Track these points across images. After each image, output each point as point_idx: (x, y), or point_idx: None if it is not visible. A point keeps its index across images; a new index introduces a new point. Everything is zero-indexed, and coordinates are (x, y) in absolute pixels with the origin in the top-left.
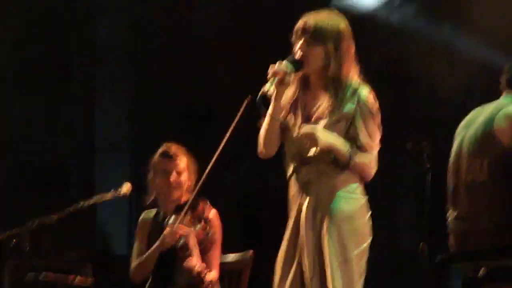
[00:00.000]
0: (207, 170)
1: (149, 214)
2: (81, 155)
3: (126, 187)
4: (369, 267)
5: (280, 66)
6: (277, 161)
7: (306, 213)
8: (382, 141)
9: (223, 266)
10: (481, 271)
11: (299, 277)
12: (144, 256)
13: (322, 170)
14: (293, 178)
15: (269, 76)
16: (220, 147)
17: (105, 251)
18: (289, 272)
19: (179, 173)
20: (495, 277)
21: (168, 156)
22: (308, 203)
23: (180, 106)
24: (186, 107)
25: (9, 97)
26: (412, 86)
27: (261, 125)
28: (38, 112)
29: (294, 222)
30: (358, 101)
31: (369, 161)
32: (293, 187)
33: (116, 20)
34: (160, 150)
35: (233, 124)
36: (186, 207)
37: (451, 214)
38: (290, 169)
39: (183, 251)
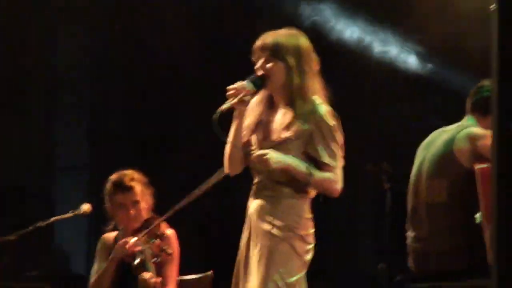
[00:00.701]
0: (170, 212)
1: (109, 236)
2: (40, 176)
3: (85, 207)
4: None
5: (240, 85)
6: (237, 182)
7: (250, 236)
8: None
9: (183, 285)
10: None
11: None
12: (101, 270)
13: (272, 195)
14: (252, 191)
15: (228, 94)
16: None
17: (64, 270)
18: None
19: (136, 203)
20: None
21: (123, 189)
22: (252, 226)
23: (139, 128)
24: (145, 129)
25: None
26: (372, 105)
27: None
28: None
29: (243, 242)
30: (316, 119)
31: (331, 176)
32: (249, 200)
33: (76, 40)
34: (113, 179)
35: (204, 188)
36: (144, 232)
37: (410, 235)
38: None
39: (139, 270)
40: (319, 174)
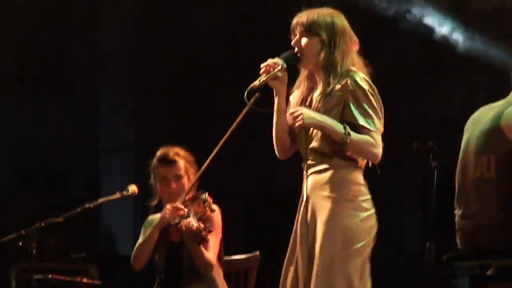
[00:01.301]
0: (208, 161)
1: (155, 217)
2: (86, 158)
3: (132, 189)
4: (374, 267)
5: (271, 61)
6: (281, 162)
7: (301, 212)
8: (386, 140)
9: (230, 265)
10: (489, 270)
11: (296, 277)
12: (143, 238)
13: (320, 167)
14: (303, 175)
15: (261, 71)
16: (223, 140)
17: (110, 252)
18: (289, 272)
19: (179, 178)
20: (502, 276)
21: (166, 162)
22: (305, 202)
23: (182, 108)
24: (188, 109)
25: (14, 103)
26: (417, 86)
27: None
28: (43, 117)
29: (296, 221)
30: (349, 86)
31: (369, 139)
32: (303, 181)
33: (118, 25)
34: (158, 155)
35: (239, 118)
36: (186, 191)
37: (458, 212)
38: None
39: (187, 234)
40: (356, 135)
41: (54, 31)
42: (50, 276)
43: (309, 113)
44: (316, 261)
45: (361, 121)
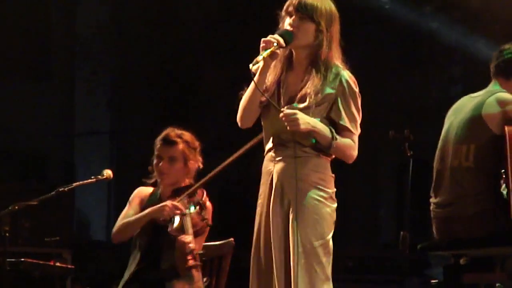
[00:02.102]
0: (211, 173)
1: (145, 190)
2: (61, 142)
3: (107, 173)
4: (349, 257)
5: (272, 37)
6: (258, 151)
7: (273, 198)
8: (363, 129)
9: (205, 251)
10: (462, 260)
11: (271, 264)
12: (134, 217)
13: (298, 155)
14: (268, 156)
15: (261, 46)
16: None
17: (84, 237)
18: (260, 259)
19: (173, 160)
20: (477, 265)
21: (164, 142)
22: (276, 187)
23: (160, 93)
24: (167, 93)
25: None
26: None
27: (241, 95)
28: (18, 101)
29: (264, 205)
30: (341, 83)
31: (351, 144)
32: (266, 165)
33: (96, 9)
34: (162, 133)
35: (240, 152)
36: (187, 192)
37: (434, 201)
38: (266, 147)
39: (177, 231)
40: (341, 140)
41: (31, 16)
42: (23, 259)
43: (304, 118)
44: (295, 249)
45: (347, 124)
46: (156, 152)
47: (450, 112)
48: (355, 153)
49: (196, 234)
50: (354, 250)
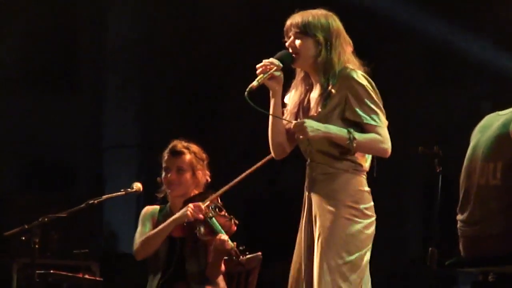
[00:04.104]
0: (222, 190)
1: (152, 208)
2: (91, 155)
3: (136, 186)
4: (377, 272)
5: (268, 61)
6: (285, 162)
7: (304, 214)
8: (392, 145)
9: (232, 265)
10: (490, 277)
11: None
12: (155, 230)
13: (326, 171)
14: (306, 174)
15: (257, 72)
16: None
17: (112, 249)
18: (295, 273)
19: (181, 171)
20: (504, 283)
21: (172, 153)
22: (308, 204)
23: (188, 106)
24: (195, 106)
25: (20, 100)
26: (423, 91)
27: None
28: (48, 114)
29: (302, 222)
30: (348, 82)
31: (376, 137)
32: (305, 184)
33: (125, 23)
34: (169, 145)
35: (251, 170)
36: (209, 199)
37: (461, 218)
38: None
39: (207, 235)
40: (362, 136)
41: (60, 28)
42: (51, 271)
43: (312, 125)
44: (317, 265)
45: (366, 119)
46: (164, 165)
47: (477, 130)
48: (385, 145)
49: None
50: (381, 264)
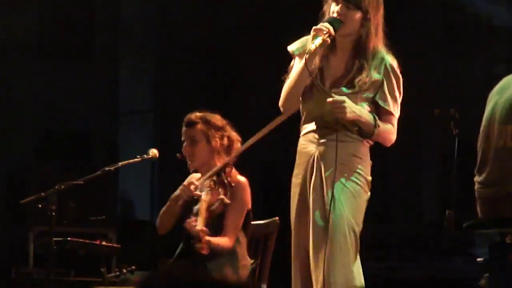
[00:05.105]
0: (238, 151)
1: (195, 175)
2: (105, 121)
3: (152, 152)
4: (394, 236)
5: (322, 25)
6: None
7: (314, 178)
8: (407, 108)
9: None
10: (508, 238)
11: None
12: (164, 208)
13: (341, 139)
14: (308, 136)
15: (313, 34)
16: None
17: (129, 216)
18: (300, 237)
19: (194, 142)
20: None
21: (186, 123)
22: (317, 168)
23: (204, 73)
24: (210, 73)
25: (34, 67)
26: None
27: (285, 79)
28: (63, 81)
29: (301, 186)
30: (386, 68)
31: (392, 129)
32: (306, 146)
33: None
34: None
35: (265, 130)
36: (210, 173)
37: (479, 180)
38: (306, 129)
39: (195, 216)
40: (383, 126)
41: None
42: (69, 239)
43: (351, 106)
44: (332, 231)
45: (390, 107)
46: (182, 135)
47: (494, 91)
48: (394, 137)
49: (222, 217)
50: (399, 228)
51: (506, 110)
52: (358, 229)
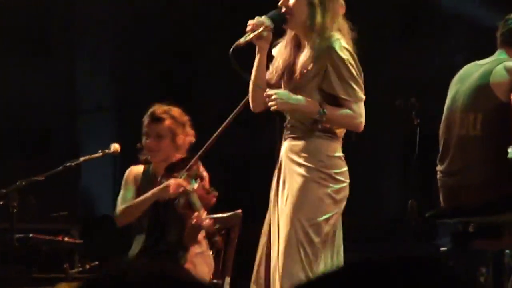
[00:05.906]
0: (202, 150)
1: (137, 168)
2: (65, 118)
3: (114, 147)
4: (356, 229)
5: (258, 20)
6: (264, 123)
7: (276, 176)
8: (367, 98)
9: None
10: (470, 227)
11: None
12: (137, 200)
13: (295, 135)
14: (284, 134)
15: (247, 29)
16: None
17: (91, 212)
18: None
19: (160, 137)
20: (484, 233)
21: (151, 119)
22: (278, 166)
23: (163, 67)
24: (170, 68)
25: None
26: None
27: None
28: (21, 78)
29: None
30: (331, 54)
31: (348, 113)
32: (283, 142)
33: None
34: (149, 110)
35: (229, 119)
36: (187, 167)
37: (441, 169)
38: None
39: (184, 209)
40: (334, 111)
41: None
42: (31, 235)
43: (283, 97)
44: (283, 230)
45: (341, 93)
46: (144, 129)
47: (456, 79)
48: (357, 121)
49: (205, 207)
50: (361, 220)
51: (468, 99)
52: (314, 221)
